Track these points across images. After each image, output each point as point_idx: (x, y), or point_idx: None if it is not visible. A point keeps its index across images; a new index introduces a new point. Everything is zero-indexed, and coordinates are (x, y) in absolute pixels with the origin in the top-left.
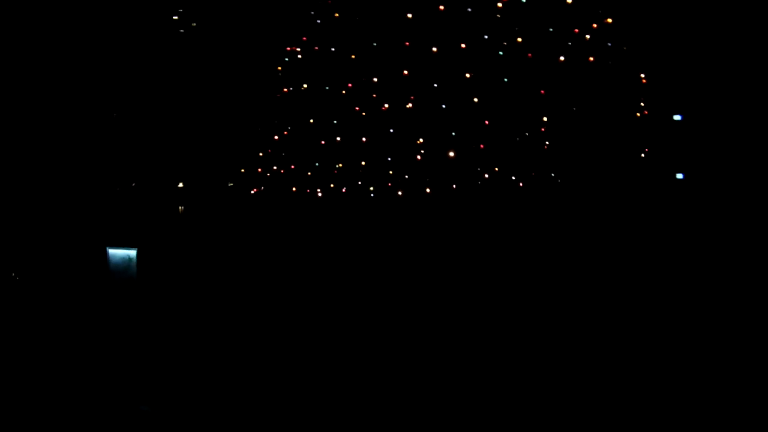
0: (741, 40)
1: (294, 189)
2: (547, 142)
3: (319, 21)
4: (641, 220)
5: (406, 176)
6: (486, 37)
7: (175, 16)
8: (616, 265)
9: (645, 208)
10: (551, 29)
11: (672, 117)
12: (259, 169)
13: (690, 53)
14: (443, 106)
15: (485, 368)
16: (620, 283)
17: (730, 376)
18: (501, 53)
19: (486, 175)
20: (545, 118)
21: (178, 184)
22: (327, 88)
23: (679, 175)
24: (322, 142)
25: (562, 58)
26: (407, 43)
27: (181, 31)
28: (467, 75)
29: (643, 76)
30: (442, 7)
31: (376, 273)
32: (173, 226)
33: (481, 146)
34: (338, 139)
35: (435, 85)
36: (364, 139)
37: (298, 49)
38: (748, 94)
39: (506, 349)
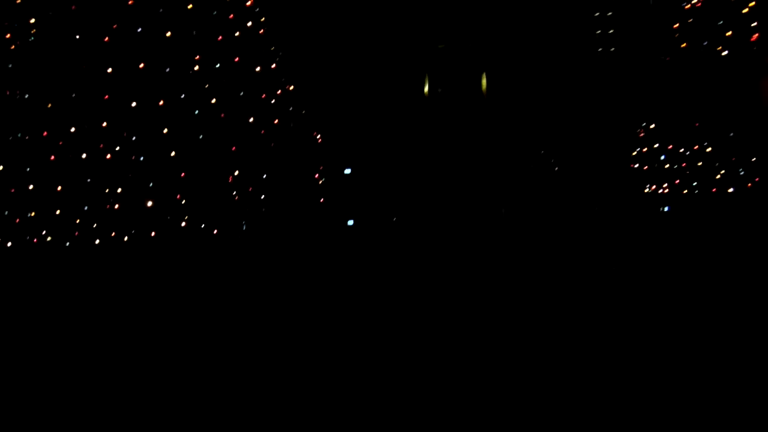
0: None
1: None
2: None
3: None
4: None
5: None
6: None
7: None
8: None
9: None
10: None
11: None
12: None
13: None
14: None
15: (484, 368)
16: (617, 281)
17: (731, 376)
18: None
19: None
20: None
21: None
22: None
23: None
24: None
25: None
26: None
27: None
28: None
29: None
30: None
31: (375, 272)
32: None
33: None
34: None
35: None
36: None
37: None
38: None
39: (505, 349)
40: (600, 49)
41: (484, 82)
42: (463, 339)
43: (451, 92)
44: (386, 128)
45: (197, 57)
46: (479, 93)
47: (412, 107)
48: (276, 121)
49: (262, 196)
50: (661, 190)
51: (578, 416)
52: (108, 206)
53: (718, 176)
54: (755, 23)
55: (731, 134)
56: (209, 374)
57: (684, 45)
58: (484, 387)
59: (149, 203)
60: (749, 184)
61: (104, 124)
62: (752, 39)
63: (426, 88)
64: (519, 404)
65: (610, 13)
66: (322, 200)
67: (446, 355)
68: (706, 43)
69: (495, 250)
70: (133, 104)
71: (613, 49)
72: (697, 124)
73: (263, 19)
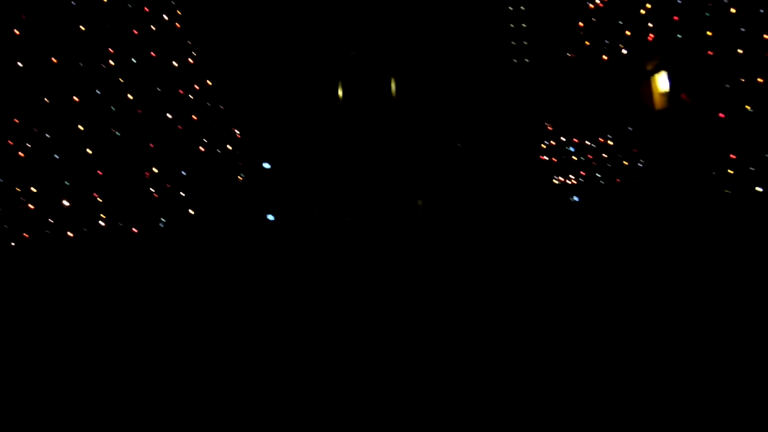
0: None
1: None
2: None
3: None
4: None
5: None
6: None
7: None
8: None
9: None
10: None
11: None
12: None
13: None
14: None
15: (481, 367)
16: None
17: (730, 376)
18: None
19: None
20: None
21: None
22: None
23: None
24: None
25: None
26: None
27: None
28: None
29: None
30: None
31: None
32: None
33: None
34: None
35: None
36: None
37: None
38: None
39: (504, 348)
40: (510, 45)
41: (393, 85)
42: (380, 330)
43: (363, 95)
44: (303, 127)
45: (111, 51)
46: (389, 95)
47: (327, 108)
48: (194, 117)
49: (181, 193)
50: (569, 181)
51: (578, 416)
52: (21, 206)
53: (621, 168)
54: (651, 24)
55: (630, 129)
56: (123, 375)
57: (587, 43)
58: (481, 387)
59: (65, 203)
60: (643, 178)
61: (16, 120)
62: (649, 39)
63: (340, 92)
64: (519, 404)
65: (518, 11)
66: (241, 197)
67: (363, 349)
68: (607, 41)
69: (412, 241)
70: (46, 100)
71: (522, 44)
72: (598, 120)
73: (179, 12)
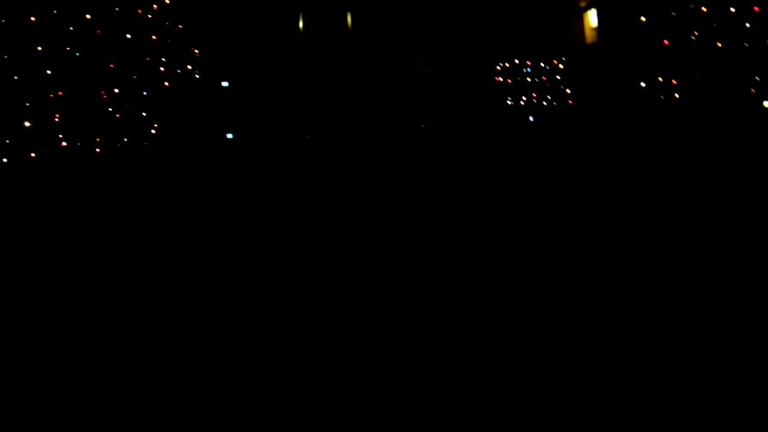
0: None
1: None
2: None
3: None
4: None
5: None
6: None
7: None
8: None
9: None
10: None
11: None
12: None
13: None
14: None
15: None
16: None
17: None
18: None
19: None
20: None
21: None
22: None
23: None
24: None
25: None
26: None
27: None
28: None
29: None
30: None
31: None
32: None
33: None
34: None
35: None
36: None
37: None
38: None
39: (503, 348)
40: None
41: (349, 19)
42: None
43: (322, 28)
44: (266, 57)
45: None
46: (345, 29)
47: (288, 41)
48: (153, 38)
49: (143, 113)
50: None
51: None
52: None
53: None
54: None
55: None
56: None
57: None
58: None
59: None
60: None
61: None
62: None
63: (300, 24)
64: (519, 404)
65: None
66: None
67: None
68: None
69: (370, 165)
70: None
71: None
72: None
73: None
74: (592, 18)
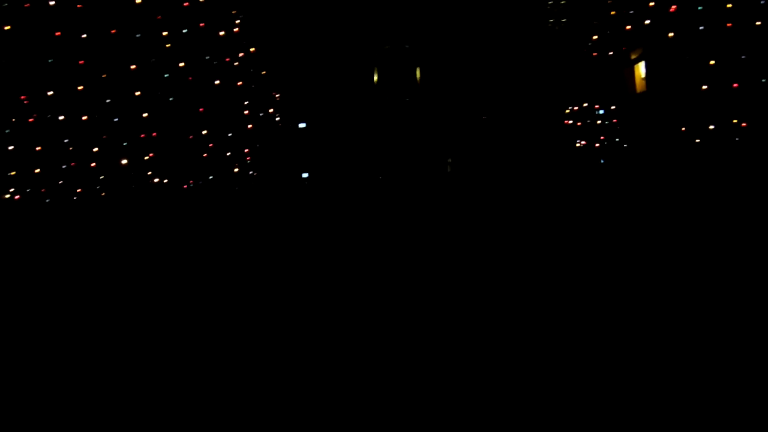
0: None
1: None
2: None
3: None
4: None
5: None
6: None
7: None
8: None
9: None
10: None
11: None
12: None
13: None
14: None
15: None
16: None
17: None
18: None
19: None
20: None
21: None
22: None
23: None
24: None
25: None
26: None
27: None
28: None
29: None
30: None
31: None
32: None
33: None
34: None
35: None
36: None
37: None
38: None
39: (502, 347)
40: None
41: (418, 73)
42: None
43: (393, 80)
44: (342, 99)
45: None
46: (414, 81)
47: (364, 90)
48: (239, 84)
49: (228, 153)
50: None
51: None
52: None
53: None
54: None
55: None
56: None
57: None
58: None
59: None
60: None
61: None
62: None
63: (375, 77)
64: (519, 404)
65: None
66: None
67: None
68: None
69: (443, 206)
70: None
71: (561, 21)
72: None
73: None
74: (642, 69)
